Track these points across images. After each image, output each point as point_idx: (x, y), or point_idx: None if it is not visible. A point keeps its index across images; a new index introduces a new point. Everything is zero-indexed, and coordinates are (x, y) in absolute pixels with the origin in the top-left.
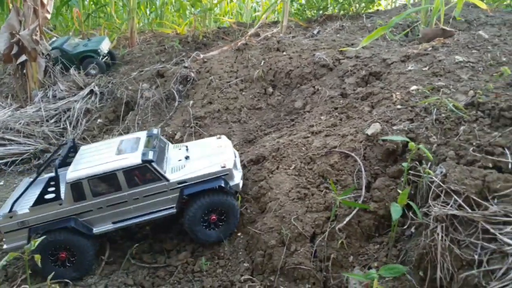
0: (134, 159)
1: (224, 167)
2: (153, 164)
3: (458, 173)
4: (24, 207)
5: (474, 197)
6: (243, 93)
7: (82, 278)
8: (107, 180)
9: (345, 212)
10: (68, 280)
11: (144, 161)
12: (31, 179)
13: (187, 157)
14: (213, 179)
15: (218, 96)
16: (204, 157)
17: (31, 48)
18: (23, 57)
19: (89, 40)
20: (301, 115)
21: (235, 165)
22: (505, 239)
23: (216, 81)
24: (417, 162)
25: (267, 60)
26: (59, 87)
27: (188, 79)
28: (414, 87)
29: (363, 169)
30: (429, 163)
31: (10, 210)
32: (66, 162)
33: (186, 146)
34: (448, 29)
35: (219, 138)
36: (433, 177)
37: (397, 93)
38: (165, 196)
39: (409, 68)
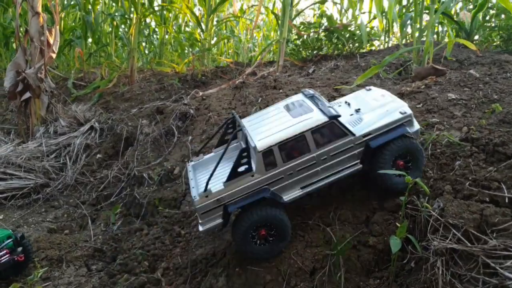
0: (320, 117)
1: (404, 113)
2: (340, 119)
3: (456, 207)
4: (213, 183)
5: (473, 231)
6: None
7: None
8: (296, 144)
9: (344, 247)
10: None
11: (331, 117)
12: (193, 163)
13: (357, 110)
14: (396, 127)
15: None
16: (376, 108)
17: (35, 86)
18: (27, 94)
19: None
20: None
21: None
22: (506, 274)
23: (215, 117)
24: (414, 197)
25: (264, 97)
26: (60, 123)
27: (187, 116)
28: None
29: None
30: (426, 197)
31: (206, 189)
32: (224, 141)
33: (346, 101)
34: (440, 67)
35: (370, 89)
36: (431, 211)
37: None
38: (351, 152)
39: None
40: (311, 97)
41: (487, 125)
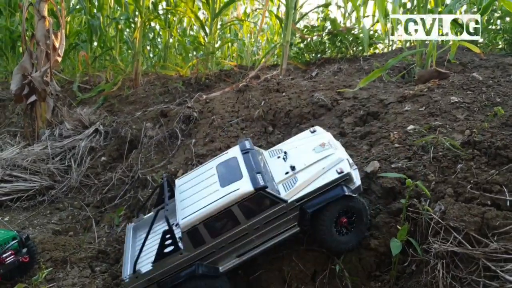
0: (245, 188)
1: (341, 172)
2: (267, 190)
3: (457, 210)
4: (143, 259)
5: (474, 234)
6: (244, 132)
7: None
8: (223, 218)
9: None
10: None
11: (257, 189)
12: (133, 224)
13: (293, 168)
14: (333, 187)
15: (220, 134)
16: (313, 164)
17: (41, 89)
18: (33, 97)
19: None
20: None
21: (350, 164)
22: (507, 277)
23: (218, 121)
24: (415, 200)
25: (267, 100)
26: (66, 126)
27: (190, 119)
28: (411, 127)
29: None
30: (428, 200)
31: (134, 271)
32: (161, 200)
33: (285, 153)
34: (443, 71)
35: (314, 131)
36: (432, 214)
37: (395, 132)
38: (285, 217)
39: (406, 108)
40: (246, 153)
41: (490, 128)
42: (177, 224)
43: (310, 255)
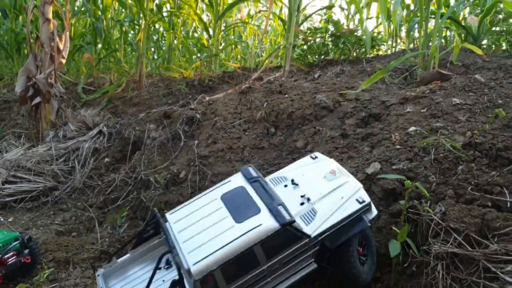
0: (268, 224)
1: (363, 201)
2: (294, 224)
3: (457, 211)
4: None
5: (474, 235)
6: (246, 133)
7: None
8: (242, 260)
9: None
10: None
11: (283, 225)
12: (103, 270)
13: (308, 198)
14: (354, 219)
15: (222, 136)
16: (329, 193)
17: (45, 91)
18: (37, 99)
19: None
20: (302, 155)
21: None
22: (507, 278)
23: (221, 122)
24: (416, 201)
25: (270, 102)
26: (70, 127)
27: (193, 120)
28: (412, 128)
29: None
30: (429, 202)
31: None
32: (143, 238)
33: (292, 180)
34: (445, 72)
35: (316, 158)
36: (433, 215)
37: (396, 133)
38: (304, 254)
39: (408, 110)
40: (254, 183)
41: (491, 130)
42: (167, 267)
43: None
